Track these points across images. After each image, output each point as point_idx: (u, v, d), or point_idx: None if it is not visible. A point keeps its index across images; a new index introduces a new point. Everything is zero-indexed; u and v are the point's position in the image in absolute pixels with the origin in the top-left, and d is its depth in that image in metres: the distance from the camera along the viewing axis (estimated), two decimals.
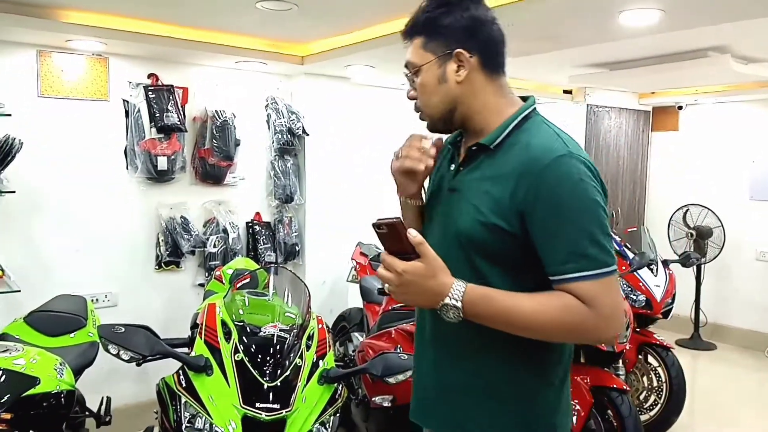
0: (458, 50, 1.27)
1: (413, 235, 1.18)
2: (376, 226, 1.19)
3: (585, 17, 2.69)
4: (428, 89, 1.32)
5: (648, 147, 6.03)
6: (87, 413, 2.59)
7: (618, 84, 5.10)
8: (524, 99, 1.36)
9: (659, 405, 3.53)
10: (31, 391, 1.84)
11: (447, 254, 1.23)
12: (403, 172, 1.37)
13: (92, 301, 3.16)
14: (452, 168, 1.38)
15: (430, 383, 1.40)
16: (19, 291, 2.96)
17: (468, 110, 1.32)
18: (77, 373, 2.36)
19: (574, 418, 2.72)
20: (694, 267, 5.21)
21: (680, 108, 5.81)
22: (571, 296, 1.17)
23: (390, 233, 1.19)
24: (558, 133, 1.27)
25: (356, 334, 3.70)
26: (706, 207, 5.31)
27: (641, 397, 3.60)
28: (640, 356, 3.60)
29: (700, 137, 5.79)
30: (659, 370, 3.56)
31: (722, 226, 5.24)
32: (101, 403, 2.63)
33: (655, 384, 3.58)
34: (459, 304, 1.18)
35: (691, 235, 5.31)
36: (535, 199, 1.18)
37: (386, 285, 1.23)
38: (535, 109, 1.33)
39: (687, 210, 5.40)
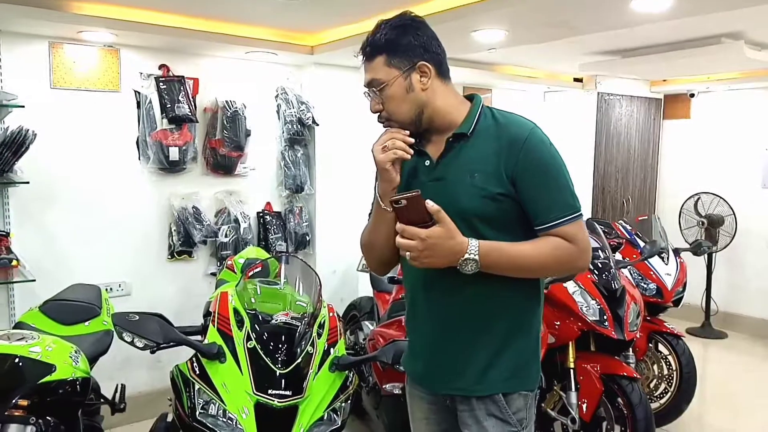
0: (421, 62, 1.50)
1: (431, 204, 1.38)
2: (395, 201, 1.37)
3: (597, 3, 2.67)
4: (397, 99, 1.52)
5: (659, 135, 5.98)
6: (102, 400, 2.63)
7: (629, 72, 5.05)
8: (469, 99, 1.60)
9: (669, 393, 3.53)
10: (48, 378, 1.86)
11: None
12: (392, 163, 1.52)
13: (106, 290, 3.19)
14: (428, 163, 1.57)
15: (438, 349, 1.59)
16: (35, 280, 3.01)
17: (433, 111, 1.53)
18: (92, 361, 2.39)
19: (584, 406, 2.74)
20: (706, 255, 5.19)
21: (692, 96, 5.76)
22: (557, 237, 1.45)
23: (409, 206, 1.37)
24: (514, 113, 1.56)
25: (367, 322, 3.73)
26: (717, 195, 5.27)
27: (651, 385, 3.60)
28: (650, 344, 3.59)
29: (712, 125, 5.74)
30: (669, 358, 3.56)
31: (734, 214, 5.20)
32: (116, 390, 2.66)
33: (665, 372, 3.58)
34: (477, 257, 1.40)
35: (703, 223, 5.28)
36: (524, 164, 1.45)
37: (408, 253, 1.40)
38: (483, 102, 1.59)
39: (698, 198, 5.36)
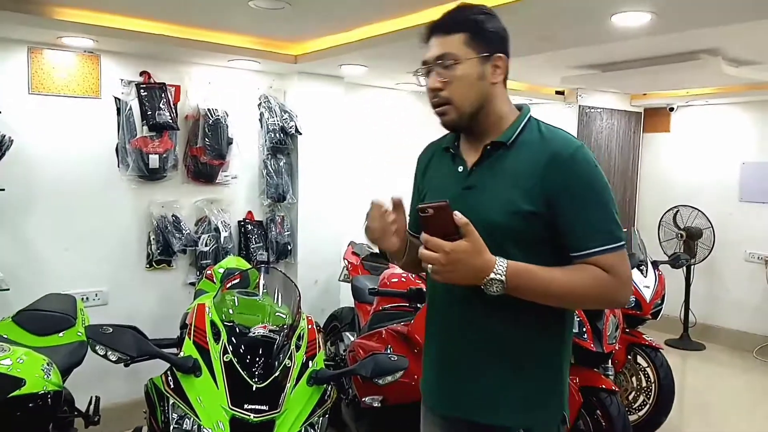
0: (499, 54, 1.42)
1: (459, 216, 1.27)
2: (421, 210, 1.28)
3: (578, 19, 2.69)
4: (466, 82, 1.41)
5: (639, 148, 6.05)
6: (76, 413, 2.58)
7: (610, 85, 5.11)
8: (519, 107, 1.51)
9: (648, 405, 3.56)
10: (17, 393, 1.83)
11: None
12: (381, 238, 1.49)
13: (82, 299, 3.15)
14: (461, 170, 1.48)
15: (454, 372, 1.50)
16: (8, 290, 2.96)
17: (490, 110, 1.44)
18: (66, 372, 2.35)
19: None
20: (684, 268, 5.24)
21: (671, 109, 5.84)
22: (596, 267, 1.33)
23: (436, 215, 1.27)
24: (562, 129, 1.46)
25: (347, 333, 3.70)
26: (696, 208, 5.34)
27: (630, 398, 3.62)
28: (629, 357, 3.62)
29: (691, 139, 5.82)
30: (648, 370, 3.59)
31: (712, 227, 5.27)
32: (90, 403, 2.62)
33: (644, 384, 3.60)
34: (503, 278, 1.28)
35: (681, 236, 5.34)
36: (563, 185, 1.35)
37: (429, 266, 1.29)
38: (531, 114, 1.50)
39: (677, 211, 5.43)
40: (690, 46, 3.54)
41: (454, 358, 1.50)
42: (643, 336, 3.62)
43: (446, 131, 1.57)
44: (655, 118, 6.01)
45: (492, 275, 1.28)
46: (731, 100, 5.37)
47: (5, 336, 2.42)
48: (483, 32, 1.41)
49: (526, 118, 1.46)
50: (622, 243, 1.36)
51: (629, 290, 1.39)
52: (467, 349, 1.47)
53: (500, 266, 1.29)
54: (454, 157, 1.52)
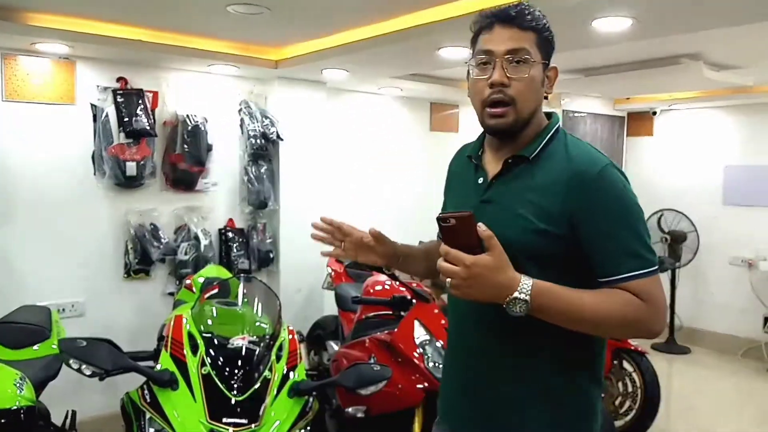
0: (555, 66, 1.37)
1: (483, 228, 1.19)
2: (443, 219, 1.20)
3: (559, 24, 2.66)
4: (534, 85, 1.32)
5: (623, 152, 6.08)
6: (52, 428, 2.51)
7: (593, 90, 5.14)
8: (547, 115, 1.43)
9: (634, 410, 3.54)
10: None
11: None
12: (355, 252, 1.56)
13: (58, 311, 3.08)
14: (481, 181, 1.41)
15: (482, 402, 1.39)
16: None
17: (532, 121, 1.36)
18: (41, 386, 2.28)
19: None
20: (669, 271, 5.26)
21: (654, 114, 5.88)
22: (627, 293, 1.24)
23: (458, 227, 1.20)
24: (590, 145, 1.37)
25: (331, 342, 3.66)
26: (680, 212, 5.37)
27: (616, 403, 3.61)
28: (615, 362, 3.60)
29: (675, 143, 5.86)
30: (634, 375, 3.57)
31: (696, 230, 5.30)
32: (66, 417, 2.56)
33: (630, 389, 3.59)
34: (528, 298, 1.20)
35: (666, 239, 5.36)
36: (587, 206, 1.26)
37: (448, 279, 1.21)
38: (560, 125, 1.41)
39: (661, 215, 5.45)
40: (671, 51, 3.56)
41: (476, 384, 1.40)
42: (629, 341, 3.61)
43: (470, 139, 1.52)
44: (639, 122, 6.05)
45: (516, 294, 1.19)
46: (714, 104, 5.41)
47: None
48: (548, 40, 1.34)
49: (553, 130, 1.37)
50: (655, 268, 1.27)
51: (665, 319, 1.29)
52: (491, 375, 1.38)
53: (525, 285, 1.20)
54: (476, 167, 1.44)
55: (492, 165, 1.41)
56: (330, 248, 1.61)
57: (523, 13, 1.31)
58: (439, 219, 1.21)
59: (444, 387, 1.53)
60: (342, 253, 1.59)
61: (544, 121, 1.40)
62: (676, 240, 5.34)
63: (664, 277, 5.31)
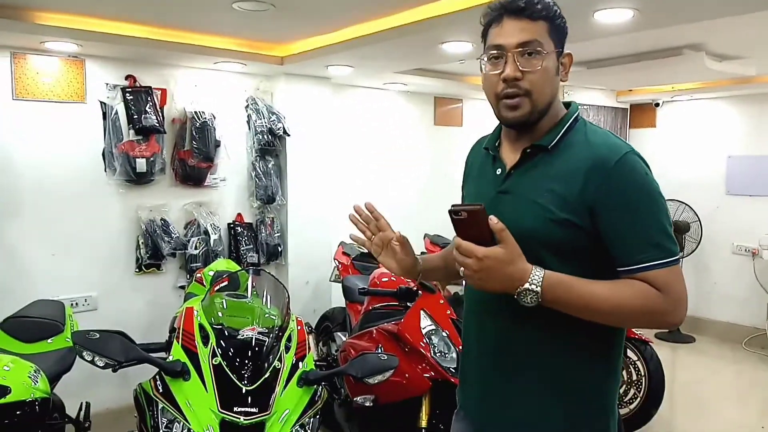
0: (569, 53, 1.34)
1: (495, 221, 1.19)
2: (454, 212, 1.20)
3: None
4: (548, 76, 1.30)
5: None
6: (66, 419, 2.57)
7: (595, 82, 5.14)
8: (566, 104, 1.41)
9: (638, 399, 3.57)
10: (2, 401, 1.81)
11: None
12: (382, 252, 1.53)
13: (72, 305, 3.14)
14: (499, 172, 1.40)
15: (499, 395, 1.40)
16: None
17: (550, 108, 1.34)
18: (55, 379, 2.34)
19: None
20: None
21: (657, 105, 5.88)
22: (644, 283, 1.22)
23: (470, 220, 1.20)
24: (611, 133, 1.35)
25: (339, 333, 3.71)
26: (683, 202, 5.38)
27: (620, 391, 3.64)
28: None
29: (677, 133, 5.86)
30: (638, 364, 3.60)
31: (699, 220, 5.31)
32: (80, 409, 2.61)
33: (634, 378, 3.62)
34: (539, 289, 1.20)
35: None
36: (607, 194, 1.23)
37: (462, 270, 1.24)
38: (579, 113, 1.39)
39: None
40: (673, 42, 3.57)
41: (492, 373, 1.41)
42: (633, 330, 3.64)
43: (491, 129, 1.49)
44: (641, 113, 6.05)
45: (527, 285, 1.20)
46: (716, 95, 5.41)
47: None
48: (561, 27, 1.32)
49: (572, 118, 1.35)
50: (675, 258, 1.24)
51: (684, 310, 1.26)
52: (505, 365, 1.38)
53: (536, 276, 1.20)
54: (494, 158, 1.43)
55: (510, 156, 1.39)
56: (359, 234, 1.58)
57: (532, 3, 1.28)
58: (451, 212, 1.21)
59: (462, 376, 1.55)
60: (369, 244, 1.56)
61: (562, 110, 1.38)
62: (679, 230, 5.35)
63: None
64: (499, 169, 1.40)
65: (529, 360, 1.34)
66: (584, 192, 1.25)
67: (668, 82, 5.07)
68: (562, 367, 1.33)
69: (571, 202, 1.25)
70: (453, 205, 1.21)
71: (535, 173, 1.33)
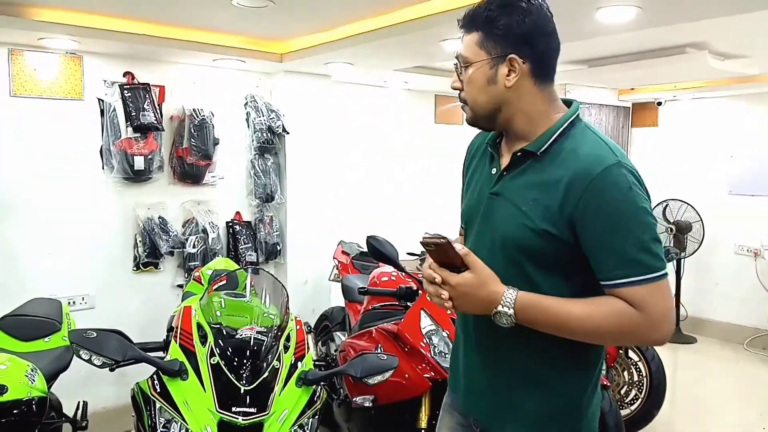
0: (512, 56, 1.29)
1: (460, 247, 1.25)
2: (425, 244, 1.25)
3: (563, 14, 2.66)
4: (476, 86, 1.34)
5: (628, 143, 6.06)
6: (63, 419, 2.55)
7: (597, 80, 5.12)
8: (567, 103, 1.39)
9: (640, 399, 3.55)
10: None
11: (493, 258, 1.30)
12: None
13: (69, 303, 3.12)
14: (494, 172, 1.40)
15: (477, 379, 1.46)
16: None
17: (513, 114, 1.34)
18: (52, 377, 2.32)
19: None
20: (674, 261, 5.26)
21: (659, 104, 5.86)
22: (622, 300, 1.21)
23: (438, 251, 1.25)
24: (604, 140, 1.30)
25: (338, 333, 3.68)
26: (685, 202, 5.36)
27: (622, 392, 3.62)
28: (620, 351, 3.61)
29: (680, 133, 5.84)
30: (639, 364, 3.58)
31: (701, 220, 5.29)
32: (77, 408, 2.59)
33: (635, 378, 3.61)
34: (511, 312, 1.24)
35: (671, 230, 5.36)
36: (585, 208, 1.22)
37: (437, 300, 1.29)
38: (579, 115, 1.36)
39: (666, 205, 5.44)
40: (676, 40, 3.55)
41: (475, 368, 1.46)
42: None
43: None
44: (643, 112, 6.03)
45: (499, 308, 1.24)
46: (719, 94, 5.38)
47: None
48: (494, 31, 1.29)
49: (566, 123, 1.32)
50: (656, 274, 1.20)
51: (667, 328, 1.23)
52: (486, 360, 1.43)
53: (508, 298, 1.23)
54: (492, 157, 1.44)
55: (505, 156, 1.40)
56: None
57: (468, 15, 1.33)
58: (421, 243, 1.27)
59: (451, 367, 1.60)
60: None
61: (555, 112, 1.35)
62: (681, 230, 5.33)
63: (670, 268, 5.31)
64: (494, 169, 1.41)
65: (506, 354, 1.38)
66: (564, 204, 1.23)
67: (671, 81, 5.05)
68: (535, 365, 1.35)
69: (552, 213, 1.25)
70: (423, 237, 1.25)
71: (523, 179, 1.32)
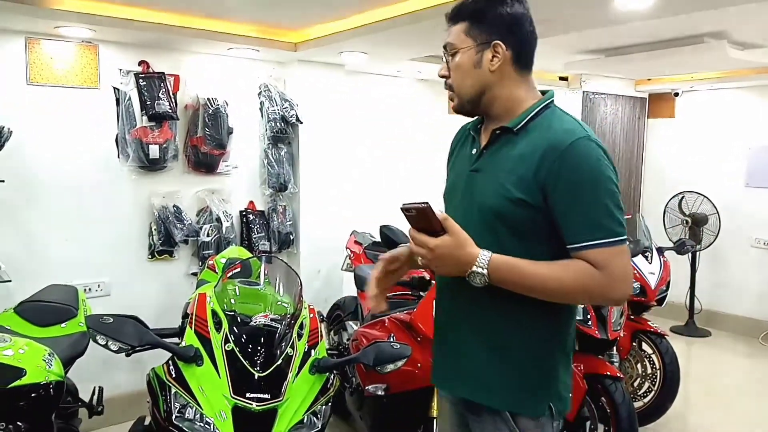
0: (496, 42, 1.43)
1: (439, 212, 1.36)
2: (405, 210, 1.35)
3: (579, 2, 2.65)
4: (463, 71, 1.47)
5: (644, 134, 6.00)
6: (79, 403, 2.59)
7: (614, 70, 5.06)
8: (543, 93, 1.53)
9: (653, 392, 3.54)
10: (18, 383, 1.82)
11: (472, 227, 1.40)
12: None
13: (85, 290, 3.15)
14: (474, 152, 1.54)
15: (450, 351, 1.56)
16: (10, 281, 2.95)
17: (494, 97, 1.47)
18: (68, 363, 2.35)
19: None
20: (690, 254, 5.21)
21: (676, 95, 5.79)
22: (585, 262, 1.33)
23: (419, 216, 1.34)
24: (575, 119, 1.45)
25: (351, 322, 3.69)
26: (701, 194, 5.30)
27: (635, 384, 3.61)
28: (634, 343, 3.60)
29: (697, 124, 5.77)
30: (653, 357, 3.57)
31: (717, 213, 5.23)
32: (93, 393, 2.62)
33: (649, 371, 3.59)
34: (485, 271, 1.34)
35: (687, 222, 5.31)
36: (556, 176, 1.34)
37: (419, 259, 1.40)
38: (553, 101, 1.50)
39: (683, 197, 5.39)
40: (695, 30, 3.50)
41: (450, 341, 1.56)
42: (648, 323, 3.60)
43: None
44: (660, 103, 5.96)
45: (474, 268, 1.34)
46: (737, 85, 5.31)
47: (7, 327, 2.41)
48: (481, 20, 1.44)
49: (542, 105, 1.46)
50: (618, 239, 1.33)
51: (624, 287, 1.35)
52: (460, 332, 1.53)
53: (483, 259, 1.34)
54: (473, 139, 1.57)
55: (484, 136, 1.54)
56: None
57: (455, 8, 1.49)
58: (402, 209, 1.35)
59: (433, 350, 1.69)
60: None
61: (533, 96, 1.48)
62: (697, 222, 5.28)
63: (685, 260, 5.27)
64: (474, 149, 1.55)
65: (480, 327, 1.48)
66: (538, 173, 1.36)
67: (688, 71, 4.99)
68: (507, 329, 1.45)
69: (527, 183, 1.37)
70: (404, 204, 1.34)
71: (501, 154, 1.46)
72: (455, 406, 1.66)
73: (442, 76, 1.53)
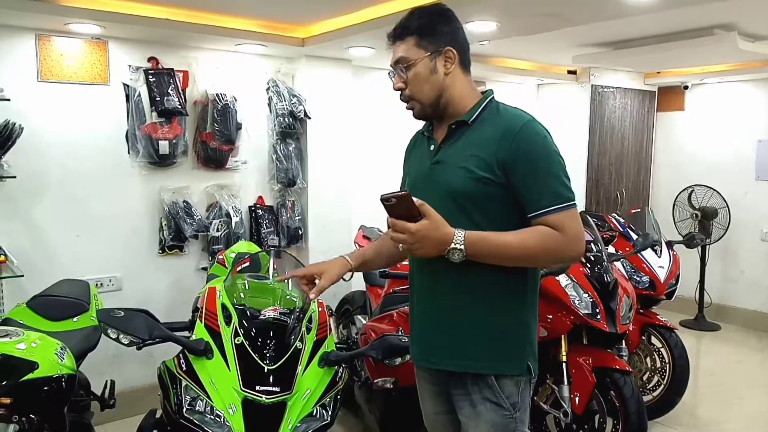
0: (448, 48, 1.63)
1: (416, 200, 1.47)
2: (385, 199, 1.46)
3: None
4: (421, 79, 1.64)
5: (653, 127, 5.97)
6: (91, 396, 2.61)
7: (623, 63, 5.03)
8: (483, 92, 1.72)
9: (662, 386, 3.53)
10: (30, 376, 1.84)
11: (443, 211, 1.52)
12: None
13: (96, 285, 3.18)
14: (432, 148, 1.71)
15: (428, 327, 1.71)
16: (23, 276, 2.98)
17: (450, 96, 1.66)
18: (80, 357, 2.37)
19: (577, 399, 2.73)
20: (699, 248, 5.19)
21: (686, 88, 5.75)
22: (546, 226, 1.52)
23: (399, 204, 1.47)
24: (518, 108, 1.66)
25: (359, 316, 3.71)
26: (711, 188, 5.27)
27: (644, 378, 3.60)
28: (643, 337, 3.59)
29: (706, 117, 5.73)
30: (662, 351, 3.56)
31: (727, 206, 5.20)
32: (105, 387, 2.65)
33: (658, 365, 3.58)
34: (462, 247, 1.49)
35: (696, 216, 5.28)
36: (515, 154, 1.54)
37: (401, 245, 1.52)
38: (494, 96, 1.71)
39: (692, 191, 5.36)
40: (704, 22, 3.48)
41: (427, 316, 1.71)
42: (658, 316, 3.59)
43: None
44: (669, 96, 5.92)
45: (452, 245, 1.49)
46: (747, 77, 5.26)
47: (20, 321, 2.44)
48: (429, 32, 1.62)
49: (487, 100, 1.66)
50: (570, 203, 1.53)
51: (579, 245, 1.56)
52: (436, 307, 1.68)
53: (459, 237, 1.49)
54: (428, 139, 1.74)
55: (440, 133, 1.71)
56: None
57: (400, 27, 1.66)
58: (382, 199, 1.47)
59: (410, 330, 1.83)
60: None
61: (477, 95, 1.68)
62: (706, 216, 5.25)
63: (694, 254, 5.25)
64: (432, 145, 1.71)
65: (454, 301, 1.64)
66: (497, 153, 1.55)
67: (698, 64, 4.95)
68: (480, 300, 1.61)
69: (488, 163, 1.55)
70: (384, 194, 1.46)
71: (459, 144, 1.64)
72: (435, 386, 1.78)
73: (398, 89, 1.69)
